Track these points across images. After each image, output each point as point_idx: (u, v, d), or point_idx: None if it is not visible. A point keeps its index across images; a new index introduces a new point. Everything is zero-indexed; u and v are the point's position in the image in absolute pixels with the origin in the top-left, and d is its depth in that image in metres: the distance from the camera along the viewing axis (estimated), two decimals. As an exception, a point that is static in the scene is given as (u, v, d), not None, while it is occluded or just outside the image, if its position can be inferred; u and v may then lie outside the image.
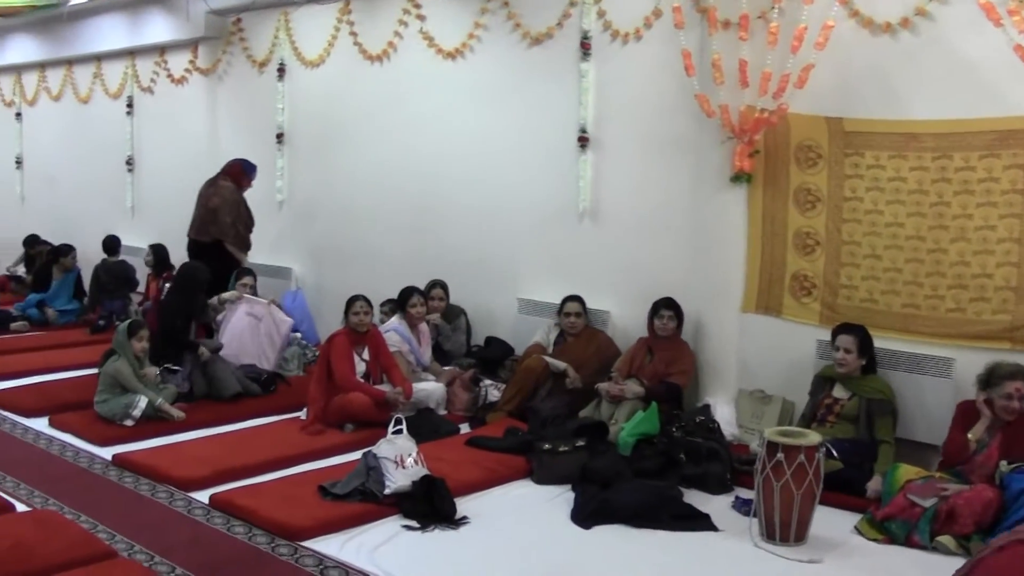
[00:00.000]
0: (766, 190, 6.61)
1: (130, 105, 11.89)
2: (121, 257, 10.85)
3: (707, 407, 6.67)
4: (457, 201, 8.51)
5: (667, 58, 6.94)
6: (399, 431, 5.72)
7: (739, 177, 6.58)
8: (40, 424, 7.01)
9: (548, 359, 7.17)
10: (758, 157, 6.55)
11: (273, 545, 4.91)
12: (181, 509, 5.40)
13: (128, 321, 7.13)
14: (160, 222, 11.22)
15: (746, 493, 5.52)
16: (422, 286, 7.97)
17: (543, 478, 5.93)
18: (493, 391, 7.38)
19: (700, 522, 5.26)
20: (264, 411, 7.40)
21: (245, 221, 9.14)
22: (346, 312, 7.14)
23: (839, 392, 6.02)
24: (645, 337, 6.98)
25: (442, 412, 7.32)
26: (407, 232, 8.93)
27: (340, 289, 8.83)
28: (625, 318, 7.43)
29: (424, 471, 5.52)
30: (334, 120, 9.59)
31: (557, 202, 7.77)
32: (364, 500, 5.38)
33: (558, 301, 7.45)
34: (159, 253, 10.44)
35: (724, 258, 6.80)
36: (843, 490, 5.49)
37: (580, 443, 6.04)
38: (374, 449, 5.63)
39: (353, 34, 9.31)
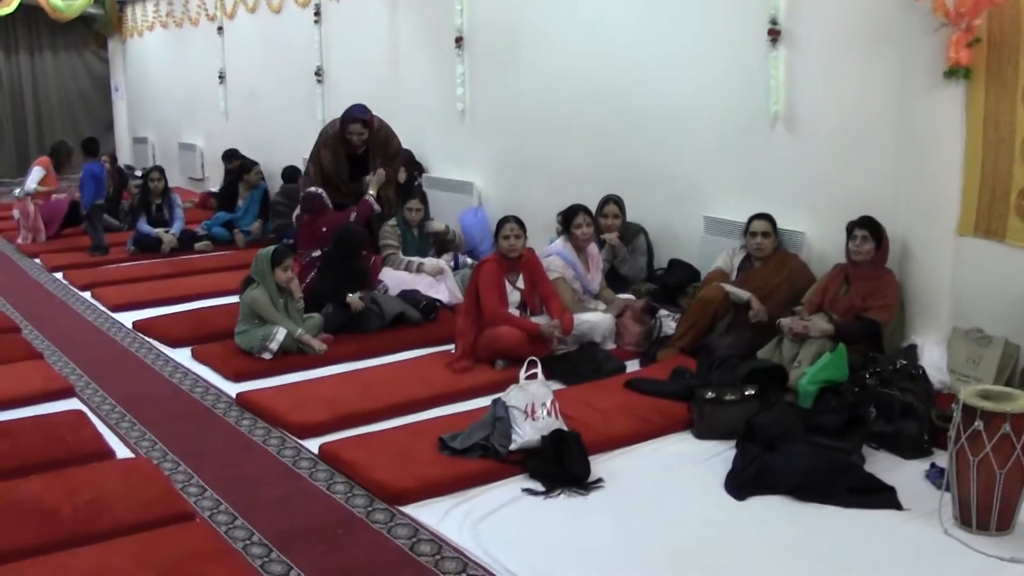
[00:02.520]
0: (989, 87, 5.49)
1: (317, 13, 11.61)
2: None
3: (912, 348, 5.76)
4: (638, 109, 7.74)
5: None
6: (533, 375, 5.11)
7: (955, 72, 5.49)
8: (183, 355, 6.87)
9: (729, 288, 6.38)
10: (979, 47, 5.44)
11: (369, 510, 4.47)
12: (288, 460, 5.06)
13: (272, 248, 6.80)
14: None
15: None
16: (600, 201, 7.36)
17: (704, 432, 5.22)
18: (670, 323, 6.66)
19: (882, 497, 4.42)
20: (417, 342, 6.99)
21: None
22: (496, 235, 6.56)
23: (1075, 337, 4.98)
24: (842, 264, 6.08)
25: (610, 346, 6.68)
26: (589, 144, 8.24)
27: (523, 205, 8.38)
28: (823, 241, 6.51)
29: (558, 423, 4.91)
30: (513, 23, 8.96)
31: (745, 107, 6.88)
32: (485, 456, 4.85)
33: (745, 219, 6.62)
34: None
35: (937, 170, 5.77)
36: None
37: (750, 391, 5.26)
38: (503, 396, 5.07)
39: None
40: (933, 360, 5.67)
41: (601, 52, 8.00)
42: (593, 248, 7.04)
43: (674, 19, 7.38)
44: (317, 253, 7.74)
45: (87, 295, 8.72)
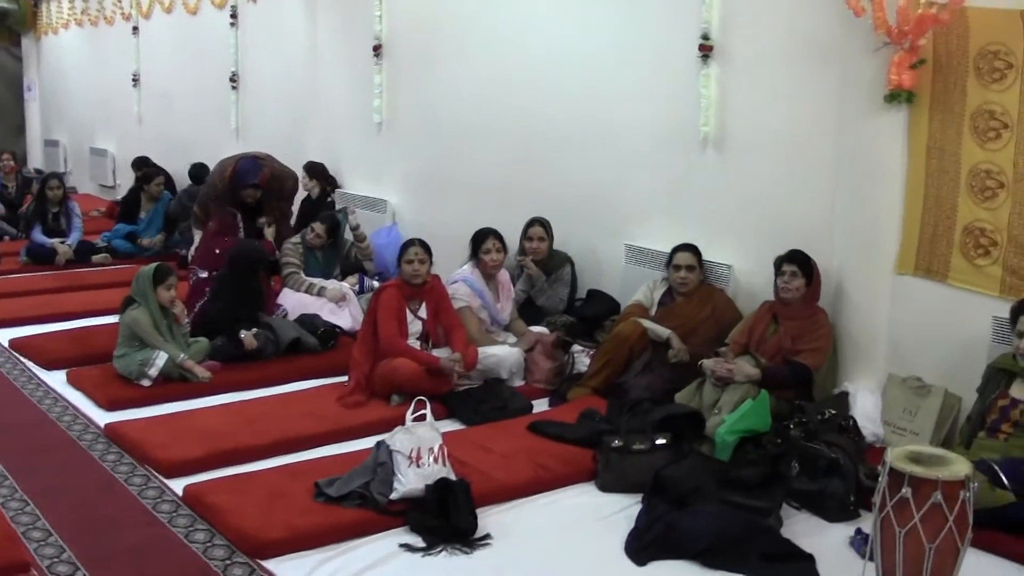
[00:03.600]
0: (933, 113, 5.15)
1: (234, 16, 11.13)
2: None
3: (844, 396, 5.40)
4: (562, 126, 7.34)
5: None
6: (422, 416, 4.66)
7: (897, 95, 5.13)
8: (58, 379, 6.37)
9: (647, 324, 5.97)
10: (923, 68, 5.09)
11: (228, 563, 4.02)
12: (149, 502, 4.61)
13: (154, 265, 6.28)
14: (265, 146, 10.45)
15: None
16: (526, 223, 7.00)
17: (608, 484, 4.79)
18: (584, 359, 6.24)
19: (799, 566, 4.01)
20: (313, 371, 6.54)
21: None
22: (399, 259, 6.10)
23: (1019, 391, 4.59)
24: (771, 301, 5.69)
25: (518, 383, 6.25)
26: (511, 163, 7.83)
27: (439, 226, 8.01)
28: (752, 275, 6.13)
29: (444, 471, 4.46)
30: (434, 31, 8.54)
31: (674, 127, 6.49)
32: (363, 505, 4.41)
33: (669, 249, 6.22)
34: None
35: (877, 202, 5.41)
36: (1014, 531, 4.15)
37: (662, 439, 4.86)
38: (388, 439, 4.61)
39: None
40: (866, 410, 5.29)
41: (525, 66, 7.62)
42: (504, 275, 6.62)
43: (601, 32, 7.00)
44: (205, 275, 7.22)
45: (-35, 309, 8.13)
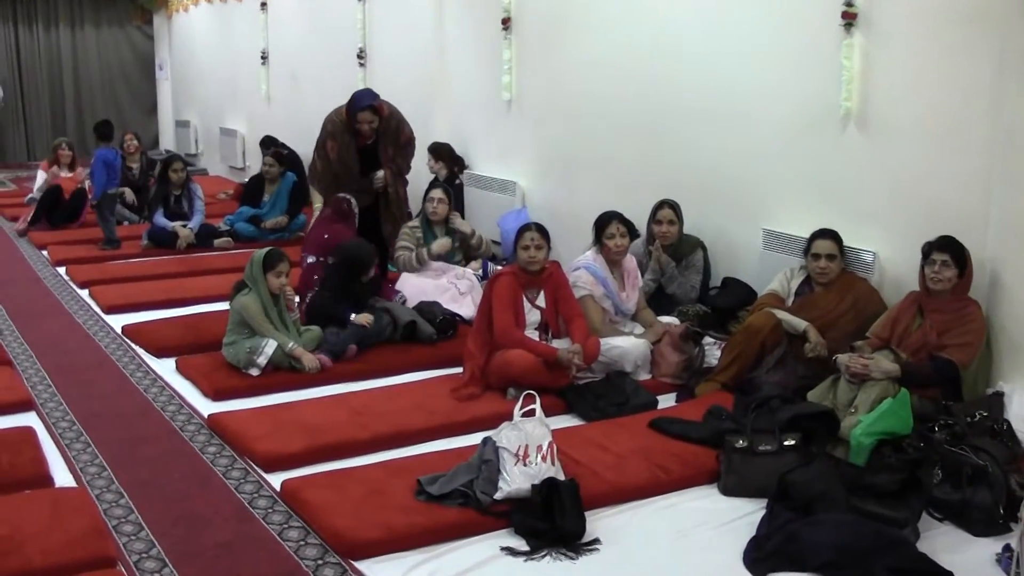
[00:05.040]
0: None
1: (362, -12, 11.33)
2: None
3: (998, 397, 5.18)
4: (695, 103, 7.24)
5: None
6: (531, 411, 4.65)
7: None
8: (167, 366, 6.56)
9: (782, 315, 5.84)
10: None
11: (319, 563, 4.07)
12: (246, 497, 4.69)
13: (266, 249, 6.42)
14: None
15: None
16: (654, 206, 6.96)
17: (730, 487, 4.70)
18: (715, 352, 6.16)
19: (935, 583, 3.87)
20: (428, 362, 6.59)
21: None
22: (515, 244, 6.10)
23: None
24: (917, 292, 5.51)
25: (644, 377, 6.19)
26: (643, 142, 7.77)
27: (568, 207, 8.09)
28: (898, 263, 5.94)
29: (553, 470, 4.44)
30: (565, 3, 8.53)
31: (813, 103, 6.34)
32: (466, 505, 4.41)
33: (808, 235, 6.10)
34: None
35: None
36: None
37: (790, 440, 4.73)
38: (494, 435, 4.62)
39: None
40: (1023, 413, 5.06)
41: (655, 39, 7.56)
42: (630, 262, 6.56)
43: (737, 3, 6.89)
44: (312, 260, 7.36)
45: (84, 293, 8.50)
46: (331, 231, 7.52)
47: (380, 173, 8.10)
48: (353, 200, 7.76)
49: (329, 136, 8.07)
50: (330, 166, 8.06)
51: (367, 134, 7.97)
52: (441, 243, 7.69)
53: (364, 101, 7.96)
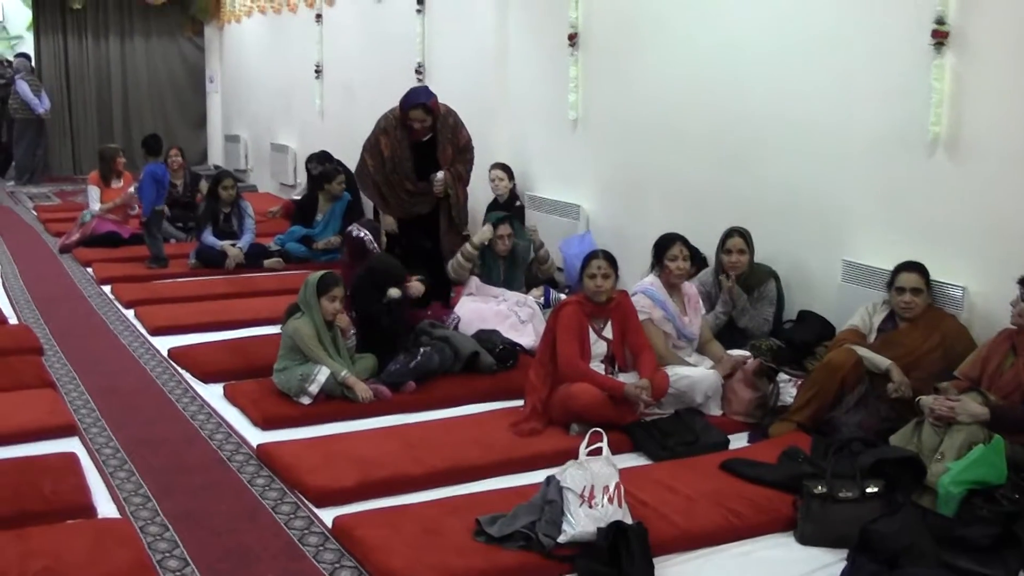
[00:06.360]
0: None
1: (421, 2, 11.37)
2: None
3: (1102, 446, 5.04)
4: (766, 123, 7.22)
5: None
6: (598, 450, 4.62)
7: None
8: (214, 392, 6.60)
9: (864, 352, 5.76)
10: None
11: (371, 607, 4.04)
12: (296, 533, 4.70)
13: (320, 273, 6.44)
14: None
15: None
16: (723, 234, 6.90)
17: (808, 536, 4.63)
18: (791, 389, 6.09)
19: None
20: (487, 394, 6.57)
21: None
22: (581, 273, 6.07)
23: None
24: (1011, 329, 5.41)
25: (715, 411, 6.14)
26: (715, 166, 7.74)
27: (634, 233, 8.02)
28: (989, 298, 5.85)
29: (620, 513, 4.41)
30: (635, 17, 8.51)
31: (899, 127, 6.26)
32: (527, 547, 4.38)
33: (892, 267, 6.04)
34: None
35: None
36: None
37: (873, 487, 4.66)
38: (558, 475, 4.59)
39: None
40: None
41: (726, 56, 7.54)
42: (691, 288, 6.55)
43: (812, 18, 6.86)
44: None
45: (130, 313, 8.57)
46: (346, 276, 7.03)
47: (440, 174, 8.06)
48: (372, 236, 7.33)
49: (382, 132, 8.08)
50: (383, 165, 8.05)
51: (420, 132, 7.98)
52: (483, 233, 7.65)
53: (418, 98, 7.97)
